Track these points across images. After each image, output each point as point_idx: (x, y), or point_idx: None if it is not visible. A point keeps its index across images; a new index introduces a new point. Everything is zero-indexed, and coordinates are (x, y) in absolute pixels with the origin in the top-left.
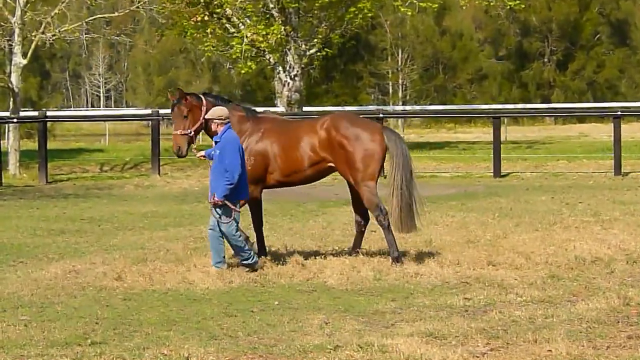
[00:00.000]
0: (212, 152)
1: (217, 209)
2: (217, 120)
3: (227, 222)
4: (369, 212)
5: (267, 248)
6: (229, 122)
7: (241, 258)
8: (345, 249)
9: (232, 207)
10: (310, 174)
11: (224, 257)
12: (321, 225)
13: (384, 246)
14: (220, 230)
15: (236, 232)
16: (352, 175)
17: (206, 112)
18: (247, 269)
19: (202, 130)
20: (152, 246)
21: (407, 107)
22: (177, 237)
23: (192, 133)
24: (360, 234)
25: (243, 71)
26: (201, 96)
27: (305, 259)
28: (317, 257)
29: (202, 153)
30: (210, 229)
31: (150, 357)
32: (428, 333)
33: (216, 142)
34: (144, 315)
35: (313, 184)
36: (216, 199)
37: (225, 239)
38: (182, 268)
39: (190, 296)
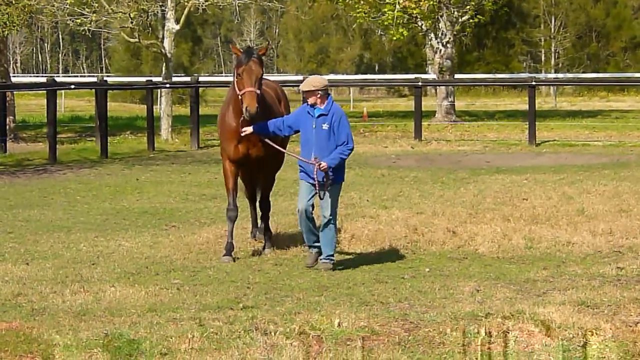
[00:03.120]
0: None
1: (323, 191)
2: (321, 92)
3: (336, 208)
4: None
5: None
6: (329, 92)
7: (331, 252)
8: (497, 217)
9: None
10: None
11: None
12: (472, 192)
13: (535, 215)
14: (329, 220)
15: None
16: None
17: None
18: (325, 267)
19: None
20: None
21: (560, 75)
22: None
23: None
24: None
25: (395, 38)
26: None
27: (456, 227)
28: (468, 225)
29: (250, 129)
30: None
31: (301, 322)
32: (580, 302)
33: (320, 115)
34: (295, 281)
35: (465, 151)
36: (324, 166)
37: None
38: None
39: (341, 262)
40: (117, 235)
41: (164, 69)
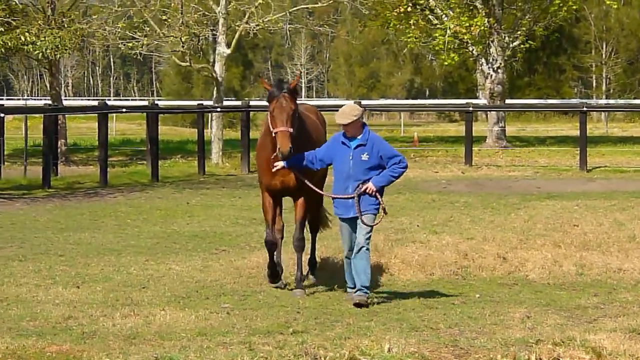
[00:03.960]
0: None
1: (369, 219)
2: (360, 120)
3: (370, 234)
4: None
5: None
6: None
7: (366, 283)
8: (548, 243)
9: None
10: None
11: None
12: (523, 218)
13: (586, 241)
14: (361, 247)
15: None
16: None
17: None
18: (359, 300)
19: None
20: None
21: (611, 101)
22: (378, 228)
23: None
24: None
25: (446, 63)
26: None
27: (506, 253)
28: (518, 251)
29: (282, 164)
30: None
31: (351, 347)
32: (632, 329)
33: (358, 145)
34: (345, 306)
35: (515, 177)
36: (370, 189)
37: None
38: (383, 259)
39: (391, 287)
40: (168, 258)
41: (214, 92)
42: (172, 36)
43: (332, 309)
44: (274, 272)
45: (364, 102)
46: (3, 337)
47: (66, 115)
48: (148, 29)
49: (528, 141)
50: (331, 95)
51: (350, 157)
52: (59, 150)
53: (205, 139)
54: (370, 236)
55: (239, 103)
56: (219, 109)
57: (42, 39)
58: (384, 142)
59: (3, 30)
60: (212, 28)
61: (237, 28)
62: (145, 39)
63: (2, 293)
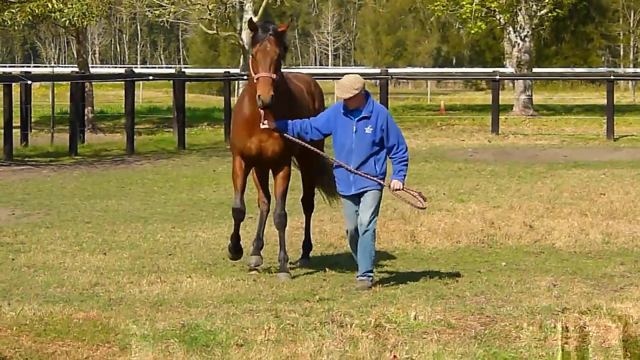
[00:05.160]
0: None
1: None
2: (363, 92)
3: (375, 216)
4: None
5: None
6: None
7: (369, 267)
8: (574, 211)
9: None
10: None
11: None
12: (549, 187)
13: (612, 210)
14: (366, 230)
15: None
16: None
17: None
18: (362, 285)
19: None
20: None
21: (638, 70)
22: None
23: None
24: None
25: (472, 31)
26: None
27: (533, 221)
28: (545, 219)
29: (273, 125)
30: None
31: (377, 315)
32: None
33: (361, 118)
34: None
35: (542, 145)
36: (397, 184)
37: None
38: (410, 227)
39: (418, 255)
40: (194, 226)
41: (241, 60)
42: (199, 4)
43: None
44: (237, 247)
45: (390, 70)
46: (30, 303)
47: (93, 83)
48: None
49: (555, 110)
50: (358, 63)
51: (354, 130)
52: (85, 117)
53: (231, 106)
54: (375, 218)
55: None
56: (245, 77)
57: (70, 6)
58: (391, 120)
59: None
60: None
61: None
62: (173, 6)
63: (29, 260)
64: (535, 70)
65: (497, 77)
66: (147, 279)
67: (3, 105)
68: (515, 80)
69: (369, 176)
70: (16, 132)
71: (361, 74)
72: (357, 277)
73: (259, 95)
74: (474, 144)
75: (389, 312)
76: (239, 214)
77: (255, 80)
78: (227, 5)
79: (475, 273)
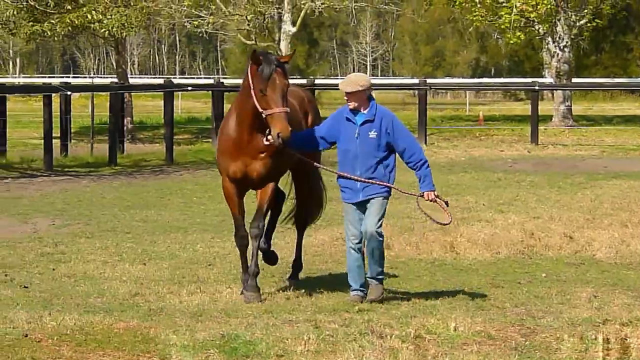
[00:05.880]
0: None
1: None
2: (367, 93)
3: (382, 220)
4: None
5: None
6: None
7: (380, 269)
8: (615, 222)
9: (444, 204)
10: None
11: None
12: (589, 198)
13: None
14: (373, 235)
15: None
16: None
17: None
18: (375, 297)
19: None
20: (418, 215)
21: None
22: (439, 208)
23: None
24: None
25: (511, 41)
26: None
27: (573, 232)
28: (585, 230)
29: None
30: (356, 246)
31: (417, 326)
32: None
33: (364, 122)
34: (411, 284)
35: (582, 156)
36: (431, 195)
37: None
38: (449, 238)
39: (457, 266)
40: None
41: None
42: (238, 14)
43: (398, 288)
44: (247, 277)
45: (429, 80)
46: (71, 313)
47: (132, 94)
48: (214, 7)
49: (594, 120)
50: (396, 73)
51: (356, 135)
52: (125, 128)
53: None
54: (381, 223)
55: (303, 81)
56: None
57: (109, 17)
58: (398, 124)
59: (70, 8)
60: (277, 6)
61: (302, 6)
62: (211, 17)
63: (70, 270)
64: (574, 80)
65: (537, 87)
66: (187, 289)
67: (43, 115)
68: (555, 91)
69: (379, 182)
70: (56, 143)
71: (400, 85)
72: (368, 278)
73: (278, 134)
74: (513, 154)
75: (429, 323)
76: (243, 241)
77: (266, 117)
78: (266, 16)
79: (515, 284)
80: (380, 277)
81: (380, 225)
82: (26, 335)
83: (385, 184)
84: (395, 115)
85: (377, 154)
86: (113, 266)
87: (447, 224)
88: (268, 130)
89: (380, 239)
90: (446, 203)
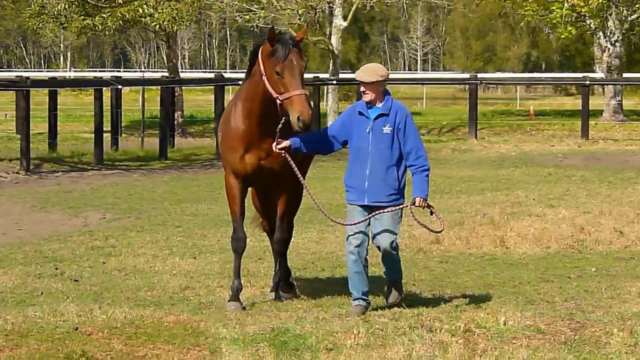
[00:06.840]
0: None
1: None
2: (384, 85)
3: (396, 235)
4: None
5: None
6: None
7: (399, 277)
8: None
9: (437, 212)
10: None
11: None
12: None
13: None
14: (388, 250)
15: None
16: None
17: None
18: (393, 301)
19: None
20: (468, 210)
21: None
22: (494, 201)
23: None
24: None
25: (563, 36)
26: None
27: (623, 227)
28: (635, 225)
29: (287, 143)
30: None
31: (467, 320)
32: None
33: (378, 116)
34: (461, 278)
35: (633, 151)
36: (421, 202)
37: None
38: (499, 232)
39: (507, 260)
40: None
41: (331, 65)
42: (289, 9)
43: (447, 282)
44: (238, 286)
45: (480, 75)
46: (121, 306)
47: (183, 88)
48: (265, 1)
49: None
50: (447, 68)
51: (369, 130)
52: (175, 122)
53: (320, 111)
54: (395, 237)
55: (354, 76)
56: (334, 82)
57: (160, 11)
58: (411, 122)
59: (121, 2)
60: (328, 1)
61: (353, 1)
62: (262, 11)
63: (120, 263)
64: (625, 75)
65: (587, 82)
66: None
67: (94, 109)
68: (605, 86)
69: (389, 210)
70: (107, 137)
71: (450, 79)
72: (389, 276)
73: (298, 117)
74: (563, 149)
75: (479, 317)
76: (240, 243)
77: (283, 100)
78: (317, 10)
79: (565, 278)
80: (398, 280)
81: (395, 241)
82: (76, 329)
83: (394, 208)
84: (410, 112)
85: (391, 153)
86: (163, 260)
87: (439, 232)
88: (280, 124)
89: (395, 252)
90: (431, 212)
